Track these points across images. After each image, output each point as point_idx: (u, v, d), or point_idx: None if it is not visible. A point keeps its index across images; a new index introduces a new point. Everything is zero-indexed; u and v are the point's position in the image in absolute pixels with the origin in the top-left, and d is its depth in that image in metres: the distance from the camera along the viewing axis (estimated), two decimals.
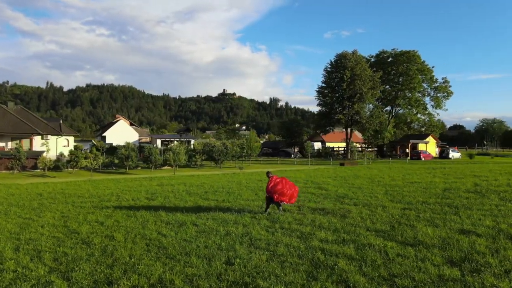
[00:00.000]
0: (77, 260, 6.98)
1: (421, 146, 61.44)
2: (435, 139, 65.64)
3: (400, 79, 60.91)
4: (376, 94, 49.58)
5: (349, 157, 50.83)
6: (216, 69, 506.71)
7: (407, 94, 59.82)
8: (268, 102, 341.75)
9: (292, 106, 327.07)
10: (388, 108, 63.46)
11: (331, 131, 55.85)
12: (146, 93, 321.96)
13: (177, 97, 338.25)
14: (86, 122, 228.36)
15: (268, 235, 8.48)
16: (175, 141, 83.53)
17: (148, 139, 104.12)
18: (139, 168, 37.77)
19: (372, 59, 62.62)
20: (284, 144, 74.00)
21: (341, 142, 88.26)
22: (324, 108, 51.59)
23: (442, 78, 61.11)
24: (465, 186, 15.98)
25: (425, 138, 62.52)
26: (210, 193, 16.47)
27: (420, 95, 61.01)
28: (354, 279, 5.51)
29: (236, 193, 16.31)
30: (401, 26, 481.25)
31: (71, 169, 34.29)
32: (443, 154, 57.35)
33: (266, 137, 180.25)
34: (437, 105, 60.90)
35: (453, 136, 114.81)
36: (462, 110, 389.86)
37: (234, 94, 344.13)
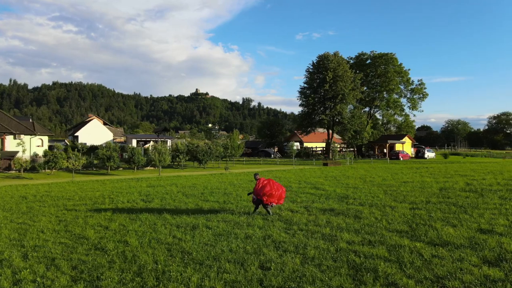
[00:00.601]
0: (98, 268, 6.55)
1: (398, 146, 63.04)
2: (410, 139, 67.54)
3: (378, 81, 62.29)
4: (357, 95, 50.44)
5: (330, 157, 51.37)
6: (188, 69, 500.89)
7: (385, 95, 61.24)
8: (241, 102, 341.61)
9: (265, 107, 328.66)
10: (367, 109, 64.77)
11: (313, 131, 56.31)
12: (116, 92, 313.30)
13: (149, 97, 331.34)
14: (53, 121, 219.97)
15: (289, 237, 8.31)
16: (151, 141, 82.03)
17: (122, 139, 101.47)
18: (121, 168, 36.63)
19: (351, 61, 63.70)
20: (264, 144, 74.04)
21: (319, 142, 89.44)
22: (306, 108, 51.94)
23: (418, 80, 63.22)
24: (458, 186, 16.40)
25: (401, 139, 64.19)
26: (207, 195, 16.10)
27: (397, 96, 62.65)
28: (403, 282, 5.42)
29: (233, 194, 16.04)
30: (371, 29, 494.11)
31: (49, 170, 32.77)
32: (419, 154, 59.06)
33: (240, 137, 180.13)
34: (413, 106, 62.74)
35: (421, 137, 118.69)
36: (428, 111, 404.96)
37: (206, 94, 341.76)
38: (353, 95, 49.43)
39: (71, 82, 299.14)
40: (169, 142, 78.31)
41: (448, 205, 11.58)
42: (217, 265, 6.48)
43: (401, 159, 51.57)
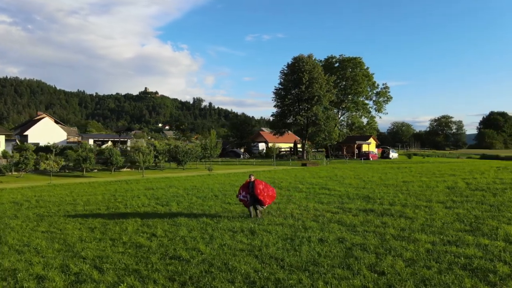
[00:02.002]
0: (200, 278, 6.07)
1: (364, 147, 65.51)
2: (375, 140, 70.47)
3: (345, 84, 64.34)
4: (331, 97, 51.72)
5: (305, 157, 52.22)
6: (136, 66, 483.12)
7: (354, 98, 63.37)
8: (191, 102, 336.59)
9: (216, 107, 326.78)
10: (335, 110, 66.63)
11: (287, 132, 56.88)
12: (58, 88, 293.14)
13: (94, 94, 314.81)
14: None
15: (362, 239, 8.25)
16: (110, 141, 78.64)
17: (77, 139, 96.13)
18: (95, 170, 34.57)
19: (321, 64, 65.21)
20: (232, 144, 73.52)
21: (284, 142, 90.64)
22: (281, 109, 52.33)
23: (383, 84, 66.13)
24: (461, 185, 17.27)
25: (367, 139, 66.79)
26: (221, 197, 15.65)
27: (362, 99, 65.03)
28: None
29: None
30: (320, 31, 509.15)
31: (18, 173, 30.14)
32: (384, 155, 61.75)
33: (195, 137, 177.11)
34: (379, 109, 65.51)
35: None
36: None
37: (156, 92, 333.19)
38: (328, 97, 50.60)
39: (6, 77, 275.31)
40: (128, 142, 75.80)
41: (478, 204, 12.13)
42: (324, 270, 6.25)
43: (371, 159, 53.63)
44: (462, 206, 11.82)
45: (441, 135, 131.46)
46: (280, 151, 77.88)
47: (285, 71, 52.58)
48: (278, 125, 54.43)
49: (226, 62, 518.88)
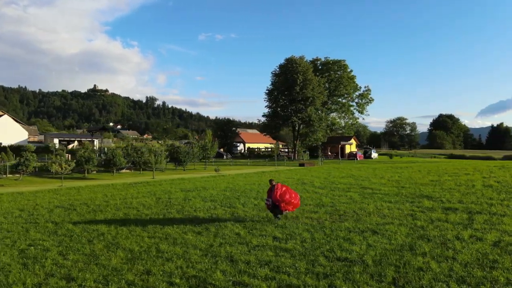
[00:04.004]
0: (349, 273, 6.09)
1: (347, 147, 67.36)
2: (356, 140, 72.68)
3: (328, 85, 65.84)
4: (322, 98, 52.73)
5: (296, 157, 52.83)
6: (82, 63, 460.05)
7: (339, 99, 65.03)
8: (144, 101, 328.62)
9: (170, 106, 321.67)
10: (319, 111, 68.05)
11: (278, 132, 57.24)
12: None
13: (37, 91, 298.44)
14: None
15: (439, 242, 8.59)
16: (76, 141, 75.63)
17: (38, 138, 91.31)
18: (94, 172, 32.98)
19: None
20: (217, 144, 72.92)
21: (261, 143, 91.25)
22: (274, 109, 52.58)
23: (365, 87, 68.41)
24: (481, 184, 18.28)
25: (349, 140, 68.75)
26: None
27: (345, 101, 66.94)
28: None
29: (301, 200, 15.75)
30: (271, 31, 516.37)
31: (17, 175, 28.10)
32: (367, 155, 63.87)
33: (150, 137, 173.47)
34: (361, 110, 67.71)
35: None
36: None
37: (106, 90, 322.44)
38: (320, 98, 51.55)
39: None
40: (96, 142, 73.33)
41: None
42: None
43: (358, 159, 55.29)
44: None
45: (397, 136, 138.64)
46: (261, 152, 78.35)
47: (277, 72, 52.92)
48: (270, 125, 54.64)
49: (178, 61, 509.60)
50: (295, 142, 54.39)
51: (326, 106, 67.02)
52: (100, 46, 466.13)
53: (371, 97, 67.38)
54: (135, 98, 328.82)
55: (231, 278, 6.38)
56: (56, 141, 71.15)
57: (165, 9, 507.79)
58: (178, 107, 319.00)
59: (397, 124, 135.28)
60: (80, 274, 6.82)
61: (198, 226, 10.62)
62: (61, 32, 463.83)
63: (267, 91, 53.03)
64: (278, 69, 52.43)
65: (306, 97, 49.02)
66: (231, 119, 70.36)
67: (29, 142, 69.00)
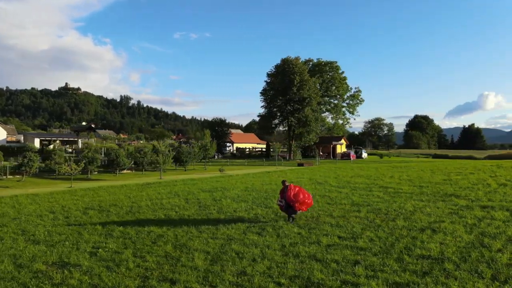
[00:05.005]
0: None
1: (338, 147, 68.30)
2: (345, 141, 73.76)
3: (320, 86, 66.62)
4: (318, 99, 53.28)
5: (292, 157, 53.22)
6: (51, 59, 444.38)
7: (332, 100, 65.88)
8: (118, 100, 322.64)
9: (145, 105, 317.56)
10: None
11: (274, 132, 57.45)
12: None
13: (5, 89, 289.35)
14: None
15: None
16: (58, 140, 73.99)
17: (17, 138, 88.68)
18: (96, 172, 32.26)
19: None
20: None
21: (248, 143, 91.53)
22: (270, 110, 52.78)
23: (355, 88, 69.54)
24: (498, 182, 19.03)
25: (340, 140, 69.73)
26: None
27: (338, 101, 67.90)
28: None
29: (331, 199, 16.02)
30: (247, 33, 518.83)
31: (18, 176, 27.18)
32: (357, 155, 64.97)
33: (125, 136, 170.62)
34: (352, 111, 68.80)
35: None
36: None
37: (78, 89, 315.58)
38: (316, 99, 52.09)
39: None
40: (79, 142, 72.02)
41: None
42: None
43: (352, 159, 56.17)
44: None
45: (375, 136, 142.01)
46: (252, 152, 78.45)
47: (273, 73, 53.15)
48: (267, 125, 54.81)
49: (153, 59, 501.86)
50: (291, 142, 54.80)
51: (319, 107, 67.81)
52: (71, 42, 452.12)
53: (361, 98, 68.70)
54: (109, 97, 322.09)
55: (335, 277, 6.49)
56: (36, 141, 69.23)
57: (139, 7, 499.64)
58: (154, 106, 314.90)
59: (375, 125, 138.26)
60: (176, 275, 6.78)
61: (252, 226, 10.65)
62: (30, 28, 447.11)
63: (262, 91, 53.25)
64: (274, 70, 52.71)
65: (303, 97, 49.49)
66: (222, 118, 69.79)
67: (7, 142, 66.64)
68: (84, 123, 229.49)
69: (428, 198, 14.75)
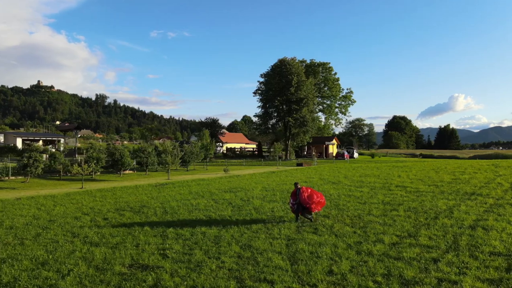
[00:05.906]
0: None
1: (330, 147, 69.13)
2: (336, 141, 74.69)
3: (314, 87, 67.30)
4: (315, 100, 53.77)
5: (288, 157, 53.55)
6: (21, 56, 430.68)
7: (325, 101, 66.56)
8: (94, 99, 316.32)
9: (121, 104, 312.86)
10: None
11: (270, 132, 57.59)
12: None
13: None
14: None
15: None
16: (41, 140, 72.62)
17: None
18: (98, 173, 31.66)
19: None
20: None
21: (238, 143, 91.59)
22: (264, 110, 52.89)
23: (347, 89, 70.55)
24: (508, 181, 19.81)
25: (331, 140, 70.58)
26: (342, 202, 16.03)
27: (331, 102, 68.66)
28: None
29: (358, 198, 16.34)
30: (225, 32, 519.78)
31: (21, 177, 26.39)
32: (350, 154, 65.96)
33: (101, 136, 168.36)
34: (344, 112, 69.71)
35: None
36: None
37: (52, 87, 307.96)
38: (314, 100, 52.55)
39: None
40: (62, 141, 70.79)
41: None
42: None
43: (346, 159, 56.98)
44: None
45: (355, 136, 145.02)
46: (242, 152, 78.50)
47: (269, 73, 53.32)
48: (262, 125, 54.94)
49: (129, 57, 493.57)
50: (287, 142, 55.13)
51: (314, 107, 68.47)
52: (42, 39, 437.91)
53: (353, 99, 69.75)
54: (84, 95, 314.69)
55: (425, 274, 6.70)
56: (19, 141, 67.49)
57: (115, 3, 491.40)
58: (130, 105, 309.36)
59: (356, 125, 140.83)
60: (267, 275, 6.85)
61: (303, 226, 10.80)
62: None
63: (259, 92, 53.35)
64: (270, 70, 52.90)
65: (301, 98, 49.88)
66: (215, 118, 69.53)
67: None
68: (58, 122, 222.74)
69: (454, 197, 15.22)
